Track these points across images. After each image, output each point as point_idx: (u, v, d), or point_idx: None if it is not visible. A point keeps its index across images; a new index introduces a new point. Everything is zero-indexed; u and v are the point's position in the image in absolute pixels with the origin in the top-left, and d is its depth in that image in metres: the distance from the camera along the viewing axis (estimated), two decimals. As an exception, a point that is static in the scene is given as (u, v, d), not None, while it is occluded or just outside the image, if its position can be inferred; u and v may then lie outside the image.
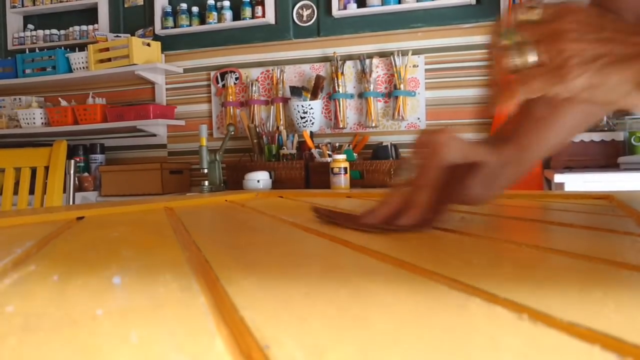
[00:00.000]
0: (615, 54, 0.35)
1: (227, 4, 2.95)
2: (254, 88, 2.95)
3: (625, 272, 0.29)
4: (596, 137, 2.24)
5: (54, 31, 3.32)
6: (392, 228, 0.44)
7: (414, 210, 0.44)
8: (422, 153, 0.45)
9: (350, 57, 2.85)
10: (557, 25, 0.37)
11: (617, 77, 0.35)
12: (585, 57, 0.35)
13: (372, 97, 2.77)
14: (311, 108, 2.76)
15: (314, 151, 2.70)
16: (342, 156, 2.38)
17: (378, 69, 2.80)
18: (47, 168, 1.60)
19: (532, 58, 0.37)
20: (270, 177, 2.61)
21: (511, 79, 0.37)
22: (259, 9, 2.90)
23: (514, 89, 0.37)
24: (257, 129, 2.86)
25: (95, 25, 3.22)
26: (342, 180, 2.34)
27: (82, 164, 3.09)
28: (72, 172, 1.62)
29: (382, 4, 2.72)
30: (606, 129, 2.30)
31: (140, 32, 3.14)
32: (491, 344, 0.17)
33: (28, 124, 3.16)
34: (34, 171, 1.61)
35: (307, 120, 2.77)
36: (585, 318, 0.20)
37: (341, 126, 2.81)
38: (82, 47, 3.18)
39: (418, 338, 0.18)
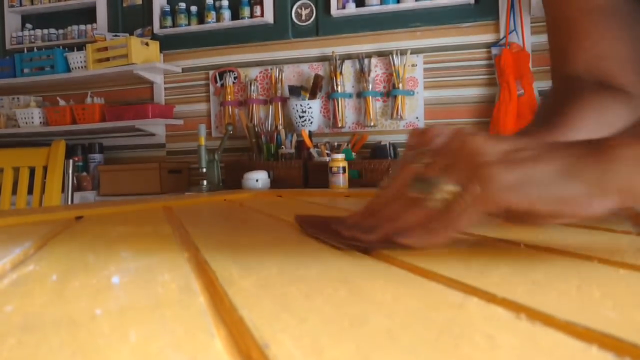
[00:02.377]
0: (531, 158, 0.36)
1: (225, 3, 2.95)
2: (252, 87, 2.95)
3: (623, 271, 0.29)
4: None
5: (52, 31, 3.32)
6: (361, 246, 0.38)
7: (435, 240, 0.36)
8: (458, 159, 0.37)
9: (348, 57, 2.85)
10: (461, 153, 0.37)
11: (547, 174, 0.35)
12: (505, 170, 0.35)
13: (370, 97, 2.77)
14: (310, 107, 2.76)
15: (313, 150, 2.70)
16: (341, 155, 2.38)
17: (377, 69, 2.80)
18: (45, 168, 1.59)
19: (449, 189, 0.36)
20: (269, 177, 2.61)
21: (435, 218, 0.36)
22: (257, 8, 2.90)
23: (445, 227, 0.36)
24: (256, 129, 2.86)
25: (94, 25, 3.22)
26: (341, 180, 2.34)
27: (80, 164, 3.09)
28: (70, 171, 1.62)
29: (381, 4, 2.72)
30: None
31: (138, 31, 3.14)
32: (489, 343, 0.17)
33: (26, 123, 3.15)
34: (32, 171, 1.60)
35: (305, 120, 2.77)
36: (583, 317, 0.20)
37: (340, 125, 2.81)
38: (80, 47, 3.18)
39: (416, 337, 0.18)
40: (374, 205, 0.42)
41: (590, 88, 0.65)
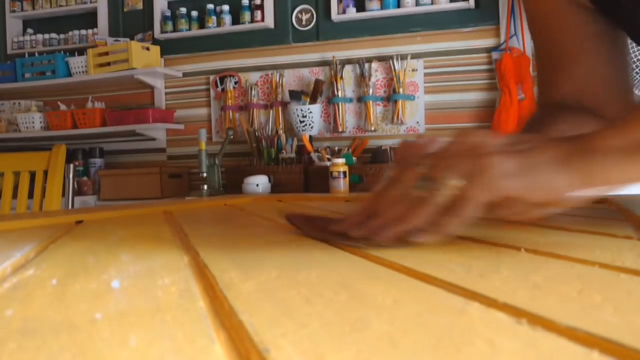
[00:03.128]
0: (530, 153, 0.40)
1: (226, 8, 2.96)
2: (253, 92, 2.95)
3: (624, 276, 0.29)
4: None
5: (54, 35, 3.33)
6: (373, 244, 0.40)
7: (432, 236, 0.39)
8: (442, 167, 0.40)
9: (349, 61, 2.85)
10: (462, 149, 0.41)
11: (544, 172, 0.39)
12: (504, 159, 0.39)
13: (371, 101, 2.77)
14: (310, 112, 2.76)
15: (313, 155, 2.70)
16: (341, 160, 2.38)
17: (377, 73, 2.80)
18: (46, 172, 1.59)
19: (454, 184, 0.39)
20: (270, 181, 2.61)
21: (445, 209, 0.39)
22: (258, 13, 2.91)
23: (454, 217, 0.39)
24: (257, 133, 2.86)
25: (95, 30, 3.23)
26: (341, 184, 2.34)
27: (81, 168, 3.09)
28: (71, 176, 1.62)
29: (381, 8, 2.73)
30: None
31: (139, 36, 3.15)
32: (490, 348, 0.17)
33: (27, 128, 3.16)
34: (33, 175, 1.61)
35: (306, 124, 2.77)
36: (584, 322, 0.20)
37: (340, 130, 2.81)
38: (81, 52, 3.18)
39: (417, 342, 0.18)
40: (375, 206, 0.43)
41: (572, 110, 0.67)
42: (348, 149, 2.77)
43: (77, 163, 3.07)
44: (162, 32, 3.07)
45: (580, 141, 0.41)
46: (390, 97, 2.77)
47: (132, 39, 3.10)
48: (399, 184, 0.43)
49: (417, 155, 0.43)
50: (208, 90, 3.10)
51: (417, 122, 2.76)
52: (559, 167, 0.39)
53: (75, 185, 2.94)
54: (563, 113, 0.67)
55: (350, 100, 2.84)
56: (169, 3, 3.13)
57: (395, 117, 2.74)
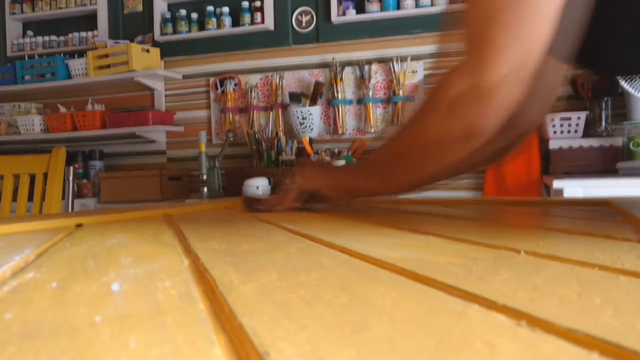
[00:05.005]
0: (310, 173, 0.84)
1: (226, 10, 2.96)
2: (253, 94, 2.95)
3: (623, 277, 0.29)
4: (595, 142, 2.25)
5: (53, 37, 3.33)
6: (270, 210, 0.83)
7: (281, 207, 0.84)
8: (293, 178, 0.84)
9: (349, 63, 2.85)
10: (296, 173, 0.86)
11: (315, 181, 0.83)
12: (305, 169, 0.85)
13: (371, 103, 2.78)
14: (310, 114, 2.76)
15: (313, 157, 2.70)
16: (341, 162, 2.38)
17: (377, 75, 2.81)
18: (46, 175, 1.59)
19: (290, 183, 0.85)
20: (270, 183, 2.61)
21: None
22: (258, 15, 2.91)
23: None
24: (256, 135, 2.86)
25: (95, 32, 3.23)
26: (341, 186, 2.34)
27: (81, 171, 3.09)
28: (71, 178, 1.62)
29: (381, 10, 2.73)
30: (605, 134, 2.31)
31: (139, 38, 3.15)
32: (490, 350, 0.17)
33: (27, 130, 3.16)
34: (32, 178, 1.61)
35: (306, 126, 2.77)
36: (584, 324, 0.20)
37: (340, 132, 2.81)
38: (81, 54, 3.19)
39: (417, 344, 0.18)
40: (274, 197, 0.88)
41: None
42: (348, 151, 2.77)
43: (77, 165, 3.07)
44: (162, 34, 3.07)
45: (343, 167, 0.77)
46: (390, 99, 2.77)
47: (132, 41, 3.11)
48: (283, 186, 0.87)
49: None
50: (208, 92, 3.10)
51: (417, 124, 2.76)
52: (327, 177, 0.81)
53: (75, 188, 2.94)
54: None
55: (350, 102, 2.85)
56: (168, 5, 3.13)
57: (395, 119, 2.74)
